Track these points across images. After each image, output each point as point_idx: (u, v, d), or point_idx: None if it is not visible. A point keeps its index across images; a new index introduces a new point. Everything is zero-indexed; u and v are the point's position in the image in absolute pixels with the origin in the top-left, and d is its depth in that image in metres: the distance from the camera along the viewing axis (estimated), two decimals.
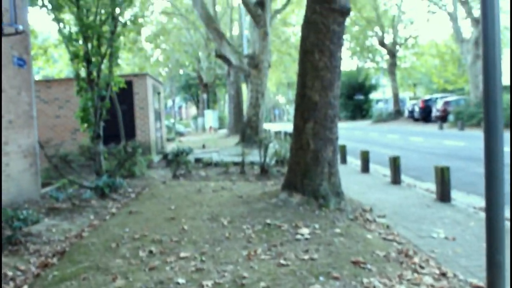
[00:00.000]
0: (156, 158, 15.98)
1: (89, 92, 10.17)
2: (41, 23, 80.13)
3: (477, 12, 31.93)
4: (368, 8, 43.44)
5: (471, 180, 10.33)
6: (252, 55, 21.24)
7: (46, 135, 15.22)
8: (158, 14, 38.98)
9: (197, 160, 14.25)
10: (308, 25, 7.51)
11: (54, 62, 38.85)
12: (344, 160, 14.47)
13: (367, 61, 51.77)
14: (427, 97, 44.28)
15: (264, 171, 11.55)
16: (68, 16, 10.72)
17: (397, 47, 46.43)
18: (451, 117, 32.76)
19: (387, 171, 11.09)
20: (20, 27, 8.48)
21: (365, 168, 12.26)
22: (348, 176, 11.26)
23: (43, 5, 10.09)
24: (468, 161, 13.46)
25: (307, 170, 7.38)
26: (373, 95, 60.16)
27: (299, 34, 9.19)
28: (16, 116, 8.65)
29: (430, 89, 61.18)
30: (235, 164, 13.10)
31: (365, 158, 12.32)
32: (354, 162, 14.62)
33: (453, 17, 34.54)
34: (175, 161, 12.38)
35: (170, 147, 17.97)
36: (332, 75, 7.36)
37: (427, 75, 57.17)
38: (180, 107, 73.62)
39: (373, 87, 59.22)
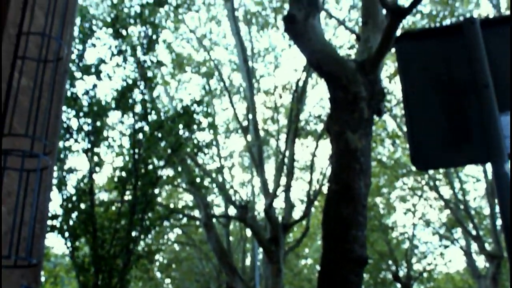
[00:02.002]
0: None
1: None
2: (57, 243, 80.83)
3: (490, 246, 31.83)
4: (380, 242, 43.69)
5: None
6: None
7: None
8: (172, 243, 39.41)
9: None
10: (324, 275, 7.19)
11: (63, 286, 38.13)
12: None
13: None
14: None
15: None
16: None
17: (412, 281, 45.41)
18: None
19: None
20: (34, 261, 8.49)
21: None
22: None
23: (60, 232, 10.27)
24: None
25: None
26: None
27: (312, 267, 8.99)
28: None
29: None
30: None
31: None
32: None
33: (466, 253, 34.37)
34: None
35: None
36: None
37: None
38: None
39: None
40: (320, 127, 17.26)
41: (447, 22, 17.17)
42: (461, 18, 17.09)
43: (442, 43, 2.64)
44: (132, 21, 11.48)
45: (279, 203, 18.64)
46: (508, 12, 18.39)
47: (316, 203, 19.90)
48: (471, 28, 2.50)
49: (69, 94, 10.73)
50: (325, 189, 15.96)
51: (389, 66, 16.98)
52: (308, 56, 6.87)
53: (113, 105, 11.43)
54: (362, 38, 7.05)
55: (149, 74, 11.73)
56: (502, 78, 2.43)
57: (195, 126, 11.76)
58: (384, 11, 7.00)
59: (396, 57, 2.69)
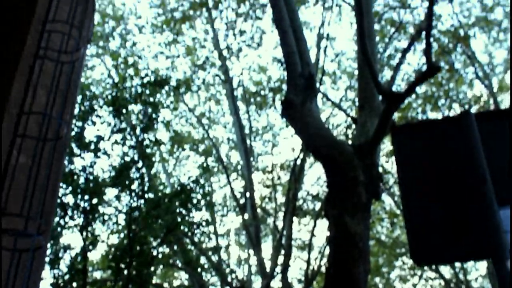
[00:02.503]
0: None
1: None
2: None
3: None
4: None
5: None
6: None
7: None
8: None
9: None
10: None
11: None
12: None
13: None
14: None
15: None
16: None
17: None
18: None
19: None
20: None
21: None
22: None
23: None
24: None
25: None
26: None
27: None
28: None
29: None
30: None
31: None
32: None
33: None
34: None
35: None
36: None
37: None
38: None
39: None
40: (318, 206, 17.16)
41: (441, 102, 17.52)
42: (455, 98, 17.49)
43: (439, 136, 2.65)
44: (132, 100, 11.66)
45: (276, 283, 18.21)
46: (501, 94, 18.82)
47: (314, 283, 19.42)
48: (467, 122, 2.53)
49: (67, 170, 10.72)
50: (323, 269, 15.65)
51: (386, 145, 17.14)
52: (305, 140, 6.94)
53: (110, 183, 11.40)
54: (359, 121, 7.15)
55: (148, 152, 11.78)
56: (500, 172, 2.43)
57: (192, 205, 11.67)
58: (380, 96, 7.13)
59: (393, 150, 2.70)
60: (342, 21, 16.46)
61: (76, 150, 11.17)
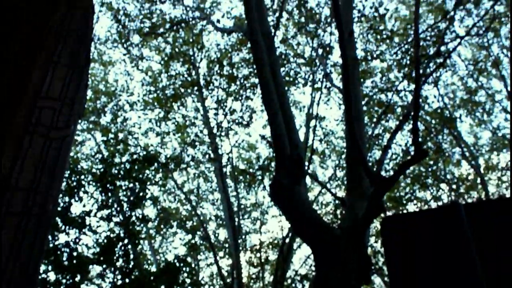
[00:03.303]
0: None
1: None
2: None
3: None
4: None
5: None
6: None
7: None
8: None
9: None
10: None
11: None
12: None
13: None
14: None
15: None
16: None
17: None
18: None
19: None
20: None
21: None
22: None
23: None
24: None
25: None
26: None
27: None
28: None
29: None
30: None
31: None
32: None
33: None
34: None
35: None
36: None
37: None
38: None
39: None
40: (306, 286, 16.80)
41: (429, 181, 17.63)
42: (442, 177, 17.61)
43: (429, 228, 2.62)
44: (120, 176, 11.62)
45: None
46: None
47: None
48: (456, 213, 2.51)
49: (50, 245, 10.48)
50: None
51: (375, 223, 17.04)
52: (293, 223, 6.87)
53: (95, 259, 11.13)
54: (348, 204, 7.11)
55: (134, 229, 11.60)
56: (492, 266, 2.39)
57: (177, 286, 11.36)
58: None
59: (382, 243, 2.66)
60: (331, 101, 16.69)
61: (61, 226, 10.97)
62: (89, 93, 16.53)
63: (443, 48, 12.76)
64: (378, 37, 14.53)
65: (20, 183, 3.70)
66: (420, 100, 11.32)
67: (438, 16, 15.35)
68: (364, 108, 13.50)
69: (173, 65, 16.54)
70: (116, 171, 11.65)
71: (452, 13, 13.27)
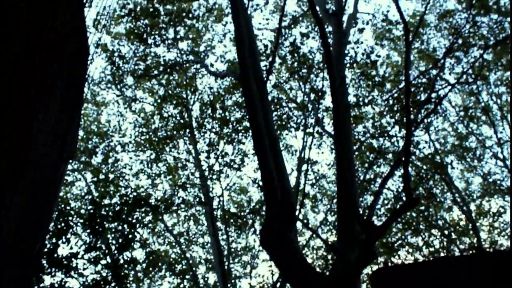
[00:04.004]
0: None
1: None
2: None
3: None
4: None
5: None
6: None
7: None
8: None
9: None
10: None
11: None
12: None
13: None
14: None
15: None
16: None
17: None
18: None
19: None
20: None
21: None
22: None
23: None
24: None
25: None
26: None
27: None
28: None
29: None
30: None
31: None
32: None
33: None
34: None
35: None
36: None
37: None
38: None
39: None
40: None
41: (420, 227, 17.52)
42: (434, 223, 17.53)
43: (419, 279, 2.60)
44: (110, 218, 11.47)
45: None
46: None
47: None
48: (446, 265, 2.49)
49: None
50: None
51: (367, 269, 16.82)
52: (283, 270, 6.76)
53: None
54: (339, 250, 7.03)
55: (122, 272, 11.37)
56: None
57: None
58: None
59: None
60: (323, 146, 16.73)
61: (47, 267, 10.73)
62: (81, 133, 16.51)
63: (434, 95, 12.91)
64: (370, 83, 14.70)
65: (7, 225, 3.63)
66: (412, 146, 11.37)
67: (429, 64, 15.61)
68: (356, 153, 13.53)
69: (166, 107, 16.60)
70: (105, 213, 11.50)
71: (442, 60, 13.50)
